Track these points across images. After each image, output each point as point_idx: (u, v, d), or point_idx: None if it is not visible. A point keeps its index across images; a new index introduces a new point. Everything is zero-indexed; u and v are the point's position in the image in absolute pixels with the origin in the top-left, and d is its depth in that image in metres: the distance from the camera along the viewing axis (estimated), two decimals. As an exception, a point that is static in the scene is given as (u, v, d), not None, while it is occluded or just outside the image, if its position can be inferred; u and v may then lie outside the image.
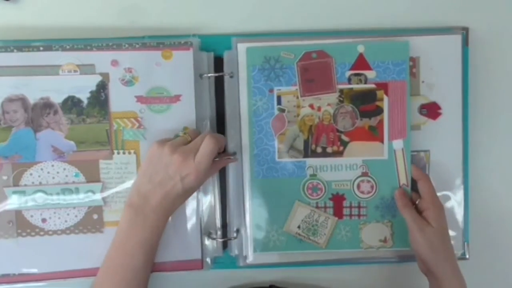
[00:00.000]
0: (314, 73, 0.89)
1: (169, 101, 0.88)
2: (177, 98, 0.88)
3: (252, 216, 0.90)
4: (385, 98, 0.89)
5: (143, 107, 0.88)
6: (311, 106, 0.90)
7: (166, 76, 0.88)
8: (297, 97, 0.89)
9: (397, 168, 0.90)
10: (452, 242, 0.88)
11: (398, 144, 0.90)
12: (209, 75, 0.89)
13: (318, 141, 0.90)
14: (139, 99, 0.88)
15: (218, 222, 0.91)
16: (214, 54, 0.90)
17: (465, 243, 0.94)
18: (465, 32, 0.92)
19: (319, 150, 0.90)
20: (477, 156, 0.95)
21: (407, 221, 0.87)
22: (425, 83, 0.92)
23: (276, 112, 0.90)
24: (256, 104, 0.89)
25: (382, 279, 0.97)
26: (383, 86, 0.89)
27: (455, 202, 0.93)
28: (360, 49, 0.89)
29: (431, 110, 0.92)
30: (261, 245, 0.91)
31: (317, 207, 0.91)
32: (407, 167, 0.90)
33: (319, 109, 0.90)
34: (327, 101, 0.90)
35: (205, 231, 0.91)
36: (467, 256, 0.94)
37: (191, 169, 0.80)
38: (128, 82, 0.87)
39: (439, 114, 0.92)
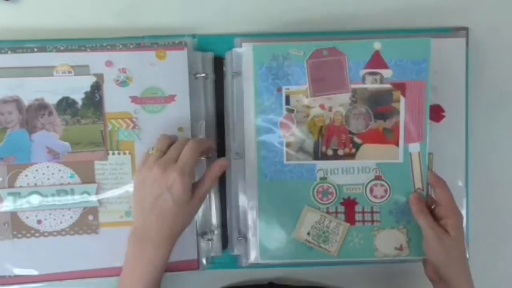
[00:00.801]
0: (326, 71, 0.85)
1: (163, 101, 0.88)
2: (171, 98, 0.88)
3: (259, 221, 0.88)
4: (402, 99, 0.85)
5: (137, 107, 0.88)
6: (322, 106, 0.86)
7: (160, 76, 0.88)
8: (307, 97, 0.86)
9: (412, 172, 0.86)
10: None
11: (414, 147, 0.86)
12: (203, 74, 0.89)
13: (329, 143, 0.87)
14: (134, 99, 0.87)
15: (215, 223, 0.90)
16: (215, 54, 0.90)
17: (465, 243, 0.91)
18: (465, 32, 0.91)
19: (330, 152, 0.87)
20: (479, 158, 0.94)
21: (422, 228, 0.84)
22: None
23: (285, 112, 0.86)
24: (263, 104, 0.86)
25: (385, 278, 0.97)
26: (400, 87, 0.85)
27: (458, 204, 0.88)
28: (377, 46, 0.85)
29: (435, 113, 0.91)
30: (269, 252, 0.88)
31: (327, 212, 0.88)
32: (423, 171, 0.86)
33: (330, 109, 0.86)
34: (339, 102, 0.86)
35: (200, 231, 0.89)
36: (467, 256, 0.91)
37: (175, 175, 0.77)
38: (123, 83, 0.87)
39: (443, 116, 0.91)
